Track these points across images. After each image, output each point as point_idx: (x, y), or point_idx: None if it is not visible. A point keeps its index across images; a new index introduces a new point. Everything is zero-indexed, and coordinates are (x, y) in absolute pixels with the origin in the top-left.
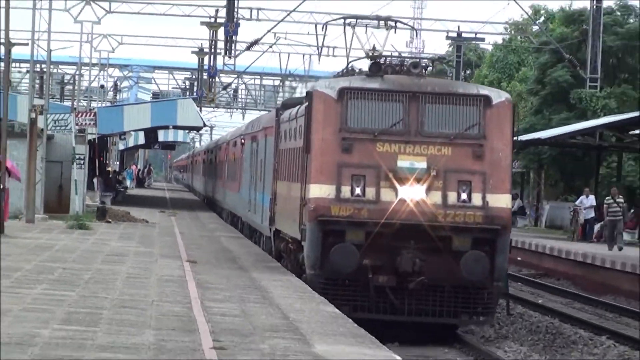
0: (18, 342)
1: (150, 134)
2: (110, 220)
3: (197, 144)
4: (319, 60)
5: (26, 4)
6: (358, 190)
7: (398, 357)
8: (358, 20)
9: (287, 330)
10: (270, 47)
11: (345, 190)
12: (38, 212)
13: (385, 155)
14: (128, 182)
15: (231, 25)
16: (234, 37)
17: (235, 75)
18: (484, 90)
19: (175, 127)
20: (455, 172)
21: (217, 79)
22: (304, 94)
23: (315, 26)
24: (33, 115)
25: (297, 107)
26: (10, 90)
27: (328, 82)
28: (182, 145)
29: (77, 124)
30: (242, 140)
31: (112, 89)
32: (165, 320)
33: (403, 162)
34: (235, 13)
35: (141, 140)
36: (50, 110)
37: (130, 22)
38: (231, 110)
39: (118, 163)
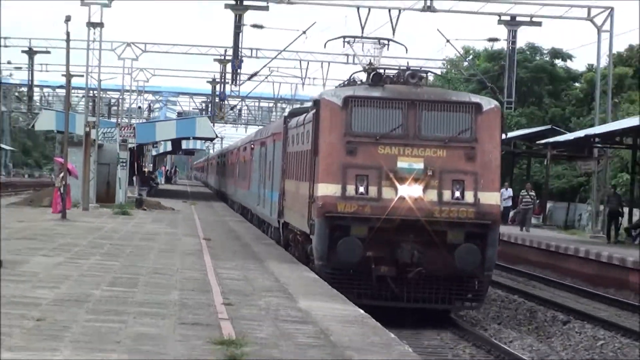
0: (76, 299)
1: (176, 143)
2: (145, 208)
3: (210, 151)
4: (303, 88)
5: (82, 44)
6: (362, 189)
7: (361, 311)
8: (356, 39)
9: (278, 290)
10: (266, 78)
11: (350, 189)
12: (91, 202)
13: (386, 157)
14: (159, 180)
15: (237, 61)
16: (238, 70)
17: (240, 99)
18: (475, 98)
19: (195, 138)
20: (450, 172)
21: (226, 102)
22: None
23: (300, 62)
24: (87, 129)
25: (304, 115)
26: (70, 110)
27: (334, 91)
28: (199, 151)
29: (120, 136)
30: (252, 146)
31: (146, 109)
32: (187, 283)
33: (402, 163)
34: (239, 52)
35: (169, 147)
36: (100, 125)
37: (160, 59)
38: (236, 125)
39: (152, 165)
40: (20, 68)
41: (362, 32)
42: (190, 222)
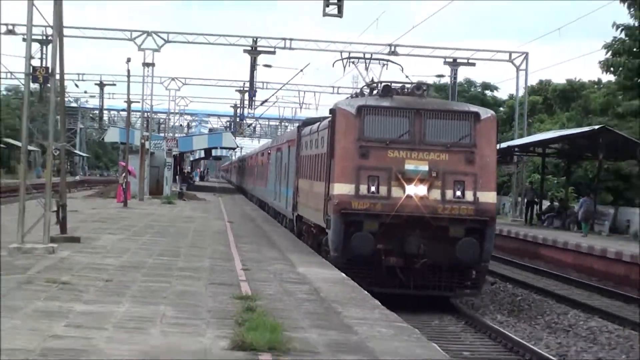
0: (134, 266)
1: (208, 151)
2: (185, 199)
3: (233, 157)
4: (300, 111)
5: (138, 79)
6: (373, 188)
7: (343, 275)
8: (359, 60)
9: (282, 259)
10: (273, 103)
11: (363, 188)
12: (145, 195)
13: (395, 160)
14: (195, 178)
15: (252, 91)
16: (253, 98)
17: (254, 119)
18: (474, 108)
19: (221, 148)
20: (452, 174)
21: (244, 121)
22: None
23: (298, 92)
24: (142, 141)
25: (317, 123)
26: (130, 127)
27: (348, 101)
28: (225, 157)
29: (167, 146)
30: (269, 151)
31: (186, 126)
32: (216, 254)
33: (409, 166)
34: (254, 84)
35: (202, 154)
36: (152, 138)
37: (196, 89)
38: (252, 138)
39: (190, 167)
40: (94, 96)
41: (344, 71)
42: (218, 210)
